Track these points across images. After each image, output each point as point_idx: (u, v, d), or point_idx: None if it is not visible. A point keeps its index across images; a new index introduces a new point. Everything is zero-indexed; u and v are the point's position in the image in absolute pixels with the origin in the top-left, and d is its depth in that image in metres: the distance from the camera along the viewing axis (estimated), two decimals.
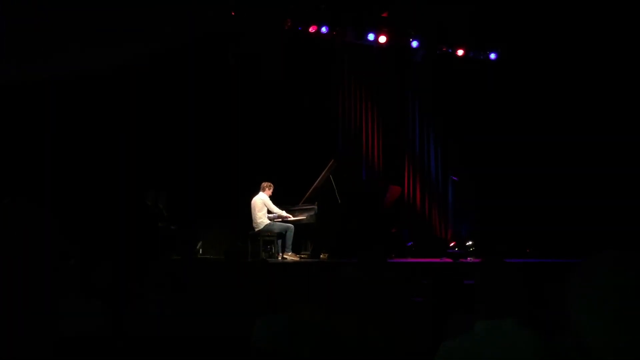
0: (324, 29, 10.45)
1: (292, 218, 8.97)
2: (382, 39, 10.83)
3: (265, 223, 8.78)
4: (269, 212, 8.89)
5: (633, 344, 1.11)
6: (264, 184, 8.94)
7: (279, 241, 8.84)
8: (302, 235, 9.15)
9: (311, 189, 9.19)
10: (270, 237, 8.79)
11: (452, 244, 10.37)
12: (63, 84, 8.72)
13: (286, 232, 8.76)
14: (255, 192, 8.95)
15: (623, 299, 1.12)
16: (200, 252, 9.41)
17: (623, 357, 1.11)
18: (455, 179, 11.28)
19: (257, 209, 8.82)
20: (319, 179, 9.14)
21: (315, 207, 8.88)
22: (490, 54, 11.42)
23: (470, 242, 9.79)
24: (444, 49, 11.34)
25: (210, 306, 3.00)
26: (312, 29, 10.38)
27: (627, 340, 1.11)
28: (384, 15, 10.74)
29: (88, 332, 2.29)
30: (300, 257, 8.92)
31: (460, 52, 11.35)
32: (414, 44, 11.09)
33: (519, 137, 10.79)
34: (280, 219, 8.93)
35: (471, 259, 9.02)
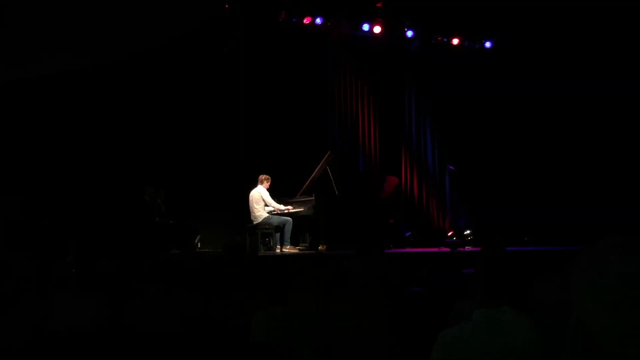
0: (318, 20, 10.42)
1: (289, 210, 8.96)
2: (377, 30, 10.79)
3: (264, 216, 8.78)
4: (267, 205, 8.89)
5: (637, 330, 1.10)
6: (262, 177, 8.92)
7: (278, 234, 8.84)
8: (300, 227, 9.16)
9: (308, 181, 9.18)
10: (269, 230, 8.79)
11: (450, 234, 10.38)
12: (61, 79, 8.69)
13: (284, 224, 8.76)
14: (253, 185, 8.93)
15: (628, 285, 1.11)
16: (199, 246, 9.41)
17: (626, 343, 1.10)
18: (452, 168, 11.28)
19: (255, 202, 8.82)
20: (316, 170, 9.12)
21: (313, 199, 8.87)
22: (485, 42, 11.38)
23: (468, 231, 9.81)
24: (439, 39, 11.30)
25: (208, 300, 3.00)
26: (306, 20, 10.34)
27: (631, 326, 1.10)
28: (379, 5, 10.70)
29: (84, 328, 2.28)
30: (299, 250, 8.92)
31: (455, 41, 11.32)
32: (409, 33, 11.06)
33: (514, 124, 10.80)
34: (277, 212, 8.92)
35: (469, 248, 9.04)
